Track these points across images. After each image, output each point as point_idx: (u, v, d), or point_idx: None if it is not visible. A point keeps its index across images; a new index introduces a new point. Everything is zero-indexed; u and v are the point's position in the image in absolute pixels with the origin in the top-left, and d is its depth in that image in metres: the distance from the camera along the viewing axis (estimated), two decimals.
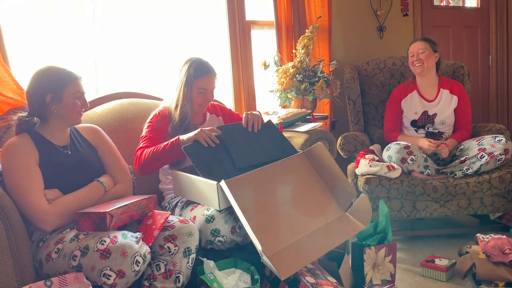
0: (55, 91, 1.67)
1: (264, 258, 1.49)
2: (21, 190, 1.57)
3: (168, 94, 2.14)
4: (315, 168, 1.87)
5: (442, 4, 4.13)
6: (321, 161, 1.87)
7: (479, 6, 4.23)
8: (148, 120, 2.06)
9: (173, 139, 1.89)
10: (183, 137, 1.87)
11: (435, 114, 2.77)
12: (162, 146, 1.89)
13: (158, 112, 2.07)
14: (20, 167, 1.59)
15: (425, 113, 2.78)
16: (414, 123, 2.81)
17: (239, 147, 1.88)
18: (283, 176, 1.77)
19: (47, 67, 1.72)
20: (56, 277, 1.40)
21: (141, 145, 1.97)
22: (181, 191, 1.84)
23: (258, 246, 1.49)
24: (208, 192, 1.68)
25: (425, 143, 2.64)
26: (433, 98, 2.81)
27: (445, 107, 2.77)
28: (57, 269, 1.49)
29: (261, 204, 1.64)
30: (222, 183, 1.59)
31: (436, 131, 2.76)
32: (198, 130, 1.86)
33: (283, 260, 1.50)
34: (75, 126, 1.84)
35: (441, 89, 2.82)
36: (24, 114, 1.72)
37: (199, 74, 2.04)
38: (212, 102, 2.33)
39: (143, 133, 2.02)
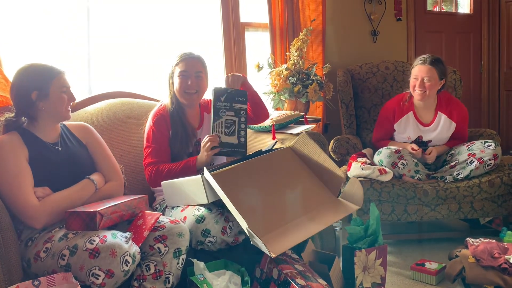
0: (40, 87, 1.65)
1: (254, 239, 1.47)
2: (10, 187, 1.55)
3: (164, 95, 2.10)
4: (302, 159, 1.88)
5: (435, 10, 4.16)
6: (307, 151, 1.87)
7: (472, 12, 4.27)
8: (148, 125, 2.02)
9: (191, 160, 1.89)
10: (201, 160, 1.87)
11: (430, 141, 2.70)
12: (178, 167, 1.88)
13: (158, 111, 2.02)
14: (9, 164, 1.57)
15: (418, 138, 2.70)
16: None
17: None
18: (270, 167, 1.77)
19: (28, 64, 1.69)
20: (44, 277, 1.38)
21: (149, 159, 1.94)
22: (172, 199, 1.83)
23: (244, 224, 1.47)
24: (195, 189, 1.67)
25: (412, 147, 2.61)
26: (429, 122, 2.69)
27: (442, 133, 2.67)
28: (45, 269, 1.47)
29: (249, 192, 1.64)
30: (206, 174, 1.58)
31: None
32: (208, 137, 1.87)
33: (273, 239, 1.50)
34: (65, 123, 1.83)
35: (438, 112, 2.68)
36: (11, 115, 1.69)
37: (179, 59, 2.01)
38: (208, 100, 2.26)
39: (146, 142, 1.99)
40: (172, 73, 2.02)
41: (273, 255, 1.43)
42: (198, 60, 2.02)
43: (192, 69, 1.99)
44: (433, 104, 2.69)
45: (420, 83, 2.58)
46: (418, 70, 2.60)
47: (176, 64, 2.01)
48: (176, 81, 2.00)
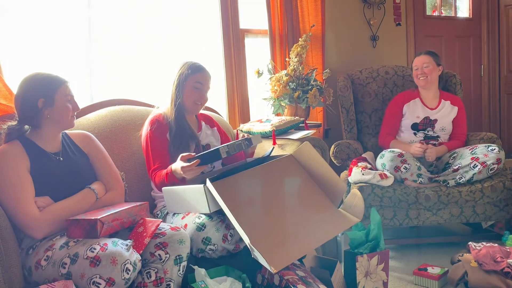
0: (47, 95, 1.67)
1: (255, 253, 1.47)
2: (11, 197, 1.55)
3: (163, 101, 2.13)
4: (304, 168, 1.87)
5: (434, 14, 4.17)
6: (309, 160, 1.87)
7: (471, 16, 4.28)
8: (145, 132, 2.03)
9: (168, 170, 1.85)
10: (175, 168, 1.81)
11: (436, 120, 2.84)
12: (165, 178, 1.86)
13: (154, 118, 2.04)
14: (11, 174, 1.57)
15: (427, 117, 2.85)
16: (414, 126, 2.86)
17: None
18: (271, 176, 1.77)
19: (34, 73, 1.71)
20: (45, 285, 1.38)
21: (153, 166, 1.95)
22: (173, 206, 1.83)
23: (246, 240, 1.47)
24: (197, 198, 1.67)
25: (416, 145, 2.69)
26: (435, 107, 2.88)
27: (445, 114, 2.86)
28: (46, 277, 1.47)
29: (250, 202, 1.63)
30: (208, 184, 1.58)
31: (435, 135, 2.79)
32: (181, 168, 1.76)
33: (274, 253, 1.49)
34: (67, 132, 1.84)
35: (442, 100, 2.90)
36: (14, 122, 1.70)
37: (194, 70, 2.07)
38: (207, 114, 2.33)
39: (146, 149, 2.00)
40: (183, 80, 2.04)
41: (274, 270, 1.44)
42: (210, 76, 2.12)
43: (206, 83, 2.10)
44: (437, 94, 2.93)
45: (421, 70, 2.86)
46: (417, 61, 2.91)
47: (191, 74, 2.05)
48: (189, 89, 2.05)
